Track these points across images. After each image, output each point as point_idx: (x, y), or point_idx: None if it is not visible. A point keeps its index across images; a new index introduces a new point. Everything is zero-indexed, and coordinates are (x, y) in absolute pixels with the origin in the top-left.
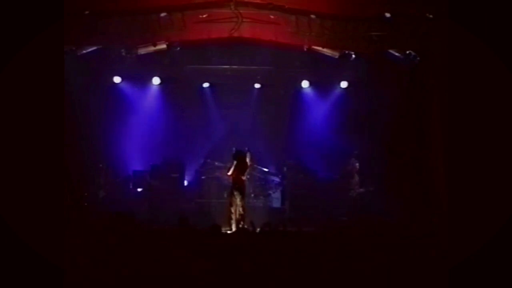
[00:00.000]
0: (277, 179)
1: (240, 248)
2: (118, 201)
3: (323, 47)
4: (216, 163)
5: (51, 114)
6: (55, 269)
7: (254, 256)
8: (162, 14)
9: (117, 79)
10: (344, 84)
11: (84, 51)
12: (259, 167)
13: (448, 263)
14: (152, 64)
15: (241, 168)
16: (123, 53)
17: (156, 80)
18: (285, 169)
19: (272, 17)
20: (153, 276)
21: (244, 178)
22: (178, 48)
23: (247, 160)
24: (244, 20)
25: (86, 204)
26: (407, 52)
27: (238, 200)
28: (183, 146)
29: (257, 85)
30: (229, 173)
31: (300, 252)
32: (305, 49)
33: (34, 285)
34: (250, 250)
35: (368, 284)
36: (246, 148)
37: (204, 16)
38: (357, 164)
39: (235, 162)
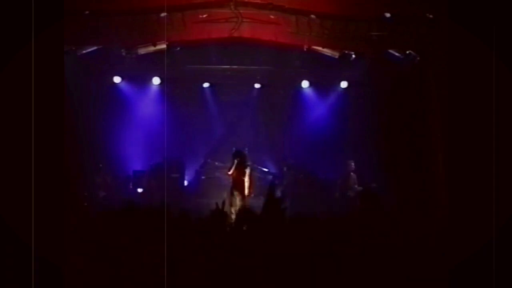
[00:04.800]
0: (277, 179)
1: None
2: (118, 201)
3: (323, 47)
4: (216, 163)
5: (51, 114)
6: (55, 269)
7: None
8: (162, 14)
9: (117, 79)
10: (344, 84)
11: (84, 51)
12: (259, 167)
13: (448, 263)
14: (152, 64)
15: (241, 168)
16: (123, 53)
17: (156, 80)
18: (285, 169)
19: (272, 17)
20: (153, 275)
21: (244, 178)
22: (178, 48)
23: (247, 174)
24: (244, 20)
25: (86, 204)
26: (407, 52)
27: (238, 200)
28: (183, 146)
29: (257, 85)
30: (230, 172)
31: (292, 253)
32: (305, 49)
33: (34, 285)
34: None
35: (367, 284)
36: (246, 148)
37: (204, 16)
38: (353, 164)
39: (235, 162)
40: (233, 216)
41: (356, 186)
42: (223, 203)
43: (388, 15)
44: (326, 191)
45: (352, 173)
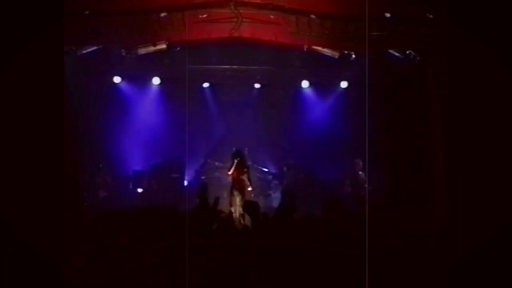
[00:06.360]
0: (277, 179)
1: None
2: (118, 201)
3: (323, 47)
4: (216, 163)
5: (51, 114)
6: (55, 269)
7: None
8: (162, 14)
9: (117, 79)
10: (344, 84)
11: (84, 51)
12: (259, 167)
13: (448, 263)
14: (152, 64)
15: (241, 168)
16: (123, 53)
17: (156, 80)
18: (285, 169)
19: (272, 17)
20: (153, 275)
21: (244, 178)
22: (178, 48)
23: (245, 177)
24: (244, 20)
25: (86, 204)
26: (407, 52)
27: (238, 200)
28: (183, 146)
29: (257, 85)
30: (229, 172)
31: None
32: (305, 49)
33: (34, 285)
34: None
35: (368, 284)
36: (246, 148)
37: (204, 16)
38: (361, 163)
39: (235, 162)
40: (233, 216)
41: (366, 185)
42: (217, 201)
43: (388, 15)
44: (328, 191)
45: (360, 172)
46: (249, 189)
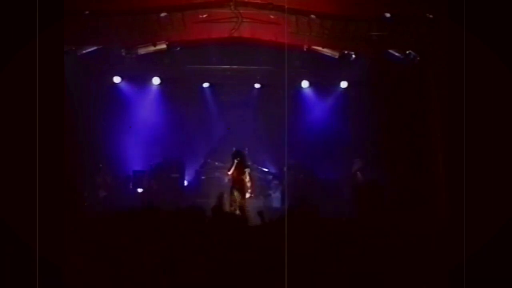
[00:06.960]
0: (277, 179)
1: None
2: (118, 201)
3: (323, 47)
4: (216, 163)
5: (51, 114)
6: (55, 268)
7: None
8: (162, 14)
9: (117, 79)
10: (344, 84)
11: (84, 51)
12: (259, 167)
13: (448, 263)
14: (152, 64)
15: (241, 168)
16: (123, 53)
17: (156, 80)
18: (285, 169)
19: (272, 17)
20: (153, 275)
21: (244, 178)
22: (178, 48)
23: (246, 176)
24: (244, 20)
25: (86, 204)
26: (407, 52)
27: (238, 200)
28: (183, 146)
29: (257, 85)
30: (229, 172)
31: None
32: (305, 49)
33: (34, 285)
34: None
35: (368, 284)
36: (246, 148)
37: (204, 16)
38: (359, 162)
39: (235, 162)
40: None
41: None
42: (220, 202)
43: (388, 15)
44: (327, 191)
45: (358, 172)
46: (248, 195)
